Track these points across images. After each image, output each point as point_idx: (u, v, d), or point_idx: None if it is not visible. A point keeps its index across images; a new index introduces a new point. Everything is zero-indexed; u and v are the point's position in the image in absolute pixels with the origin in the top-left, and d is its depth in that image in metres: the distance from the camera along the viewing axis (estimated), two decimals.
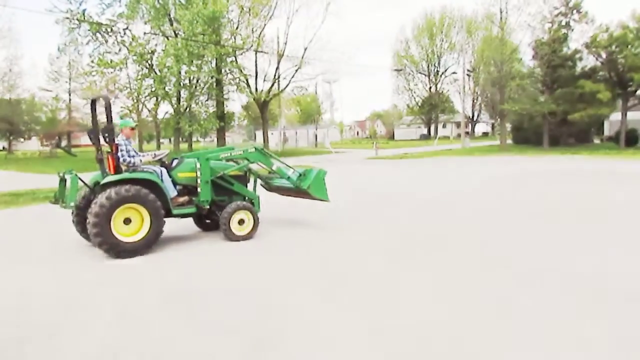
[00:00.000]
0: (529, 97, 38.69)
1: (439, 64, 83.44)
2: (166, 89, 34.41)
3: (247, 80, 39.58)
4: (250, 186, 8.89)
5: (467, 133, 72.01)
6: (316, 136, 64.94)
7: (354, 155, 38.42)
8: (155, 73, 34.58)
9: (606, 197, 11.64)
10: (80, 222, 7.68)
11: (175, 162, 8.19)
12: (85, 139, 44.80)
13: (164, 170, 7.84)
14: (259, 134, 54.16)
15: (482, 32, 46.61)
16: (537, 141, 41.62)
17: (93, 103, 7.76)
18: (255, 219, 8.12)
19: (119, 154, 7.52)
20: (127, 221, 7.10)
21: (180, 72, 33.95)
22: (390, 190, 14.43)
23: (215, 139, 41.37)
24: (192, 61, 33.19)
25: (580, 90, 34.89)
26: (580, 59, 39.16)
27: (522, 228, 8.44)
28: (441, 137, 72.77)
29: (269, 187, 9.48)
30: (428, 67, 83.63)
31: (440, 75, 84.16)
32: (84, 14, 34.82)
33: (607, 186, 13.83)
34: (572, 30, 38.54)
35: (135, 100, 38.34)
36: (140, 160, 7.76)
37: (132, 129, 7.96)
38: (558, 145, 40.22)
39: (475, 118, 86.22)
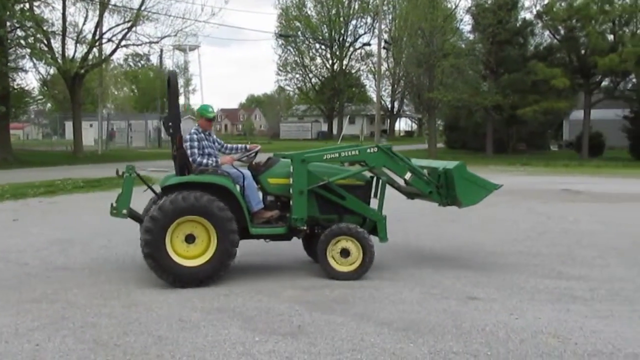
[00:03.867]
0: (467, 84, 41.30)
1: (346, 31, 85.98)
2: None
3: (48, 40, 37.21)
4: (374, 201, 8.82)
5: (384, 132, 74.78)
6: (160, 131, 63.43)
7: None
8: None
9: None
10: None
11: (267, 164, 8.57)
12: None
13: (248, 174, 8.25)
14: (69, 125, 51.53)
15: None
16: (477, 146, 44.41)
17: (174, 78, 8.20)
18: (367, 250, 8.10)
19: (189, 151, 8.14)
20: (190, 239, 7.72)
21: None
22: None
23: None
24: None
25: (532, 76, 38.00)
26: (533, 33, 42.73)
27: None
28: (348, 136, 74.96)
29: (412, 197, 9.55)
30: (331, 34, 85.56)
31: (348, 48, 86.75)
32: None
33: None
34: None
35: None
36: (216, 161, 8.27)
37: (210, 119, 8.64)
38: (505, 152, 43.37)
39: (395, 111, 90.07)
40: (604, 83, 41.73)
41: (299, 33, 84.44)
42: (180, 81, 69.36)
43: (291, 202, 8.19)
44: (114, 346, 5.62)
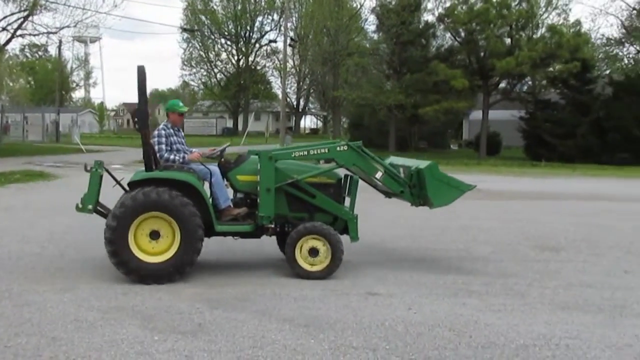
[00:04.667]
0: (371, 83, 42.14)
1: (252, 27, 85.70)
2: None
3: None
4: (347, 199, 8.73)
5: (289, 129, 74.77)
6: (58, 124, 61.32)
7: (118, 157, 37.42)
8: None
9: None
10: None
11: (236, 161, 8.50)
12: None
13: (216, 170, 8.22)
14: None
15: None
16: (381, 143, 45.38)
17: (142, 73, 8.07)
18: (335, 250, 8.00)
19: (156, 147, 8.15)
20: (154, 235, 7.68)
21: None
22: None
23: None
24: None
25: (434, 77, 39.09)
26: (435, 35, 43.92)
27: None
28: (253, 133, 74.77)
29: (389, 196, 9.34)
30: (236, 30, 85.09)
31: (254, 44, 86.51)
32: None
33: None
34: None
35: None
36: (183, 158, 8.25)
37: (181, 114, 8.62)
38: (407, 150, 44.38)
39: (301, 108, 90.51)
40: (502, 85, 43.41)
41: (205, 28, 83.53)
42: (80, 74, 67.27)
43: (258, 200, 8.12)
44: (4, 348, 5.39)
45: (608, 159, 35.36)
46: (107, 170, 8.27)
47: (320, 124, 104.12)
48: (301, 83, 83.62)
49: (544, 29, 41.13)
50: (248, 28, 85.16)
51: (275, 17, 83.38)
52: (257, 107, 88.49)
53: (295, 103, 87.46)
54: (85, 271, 8.30)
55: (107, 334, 5.79)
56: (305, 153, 8.36)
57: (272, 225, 8.28)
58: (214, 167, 8.30)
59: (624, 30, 50.33)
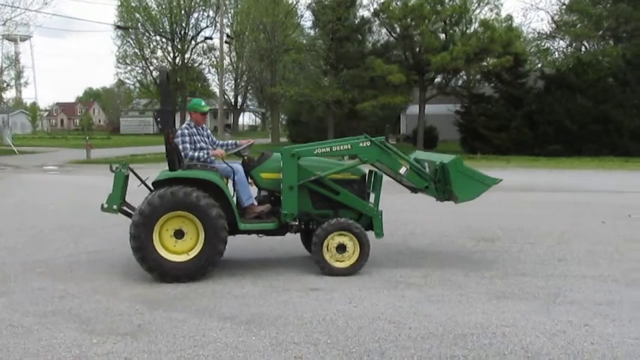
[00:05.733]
0: (309, 79, 42.20)
1: (187, 24, 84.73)
2: None
3: None
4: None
5: (227, 126, 74.64)
6: None
7: (52, 158, 36.66)
8: None
9: None
10: None
11: (260, 159, 8.48)
12: None
13: (239, 168, 8.29)
14: None
15: None
16: (320, 139, 45.44)
17: (164, 74, 8.47)
18: (363, 246, 8.03)
19: (180, 146, 8.23)
20: (179, 234, 7.79)
21: None
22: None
23: None
24: None
25: (371, 72, 39.39)
26: (371, 31, 44.25)
27: None
28: None
29: (415, 191, 9.18)
30: (172, 27, 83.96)
31: (190, 41, 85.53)
32: None
33: None
34: None
35: None
36: (207, 154, 8.32)
37: (204, 113, 8.66)
38: None
39: (239, 105, 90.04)
40: (437, 79, 43.95)
41: (139, 25, 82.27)
42: (11, 73, 65.29)
43: (281, 197, 8.10)
44: None
45: (540, 151, 36.22)
46: (132, 170, 8.46)
47: (259, 121, 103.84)
48: (239, 80, 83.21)
49: (477, 24, 41.80)
50: (183, 25, 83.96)
51: (211, 13, 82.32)
52: None
53: (233, 100, 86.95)
54: (20, 275, 8.10)
55: (43, 339, 5.68)
56: (328, 150, 8.40)
57: (296, 223, 8.32)
58: (237, 165, 8.40)
59: (554, 25, 51.73)
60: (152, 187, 8.23)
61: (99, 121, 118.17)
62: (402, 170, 8.50)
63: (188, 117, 8.74)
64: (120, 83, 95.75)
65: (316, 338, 5.70)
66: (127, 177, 8.38)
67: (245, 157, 8.61)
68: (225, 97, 65.56)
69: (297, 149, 8.31)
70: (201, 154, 8.33)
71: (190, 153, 8.29)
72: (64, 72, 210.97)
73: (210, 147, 8.66)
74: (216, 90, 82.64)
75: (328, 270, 8.05)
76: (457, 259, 9.21)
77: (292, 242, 9.65)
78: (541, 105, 37.59)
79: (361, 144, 8.39)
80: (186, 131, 8.39)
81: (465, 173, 8.47)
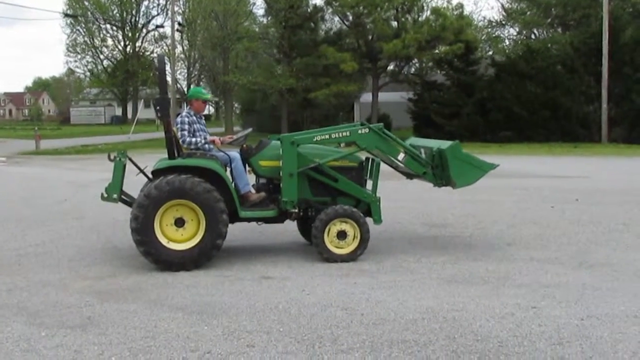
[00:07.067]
0: (262, 67, 42.03)
1: (137, 11, 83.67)
2: None
3: None
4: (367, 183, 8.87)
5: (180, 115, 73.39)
6: None
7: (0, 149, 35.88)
8: None
9: None
10: None
11: (258, 146, 8.51)
12: None
13: (236, 156, 8.27)
14: None
15: None
16: (273, 128, 45.47)
17: (162, 62, 8.65)
18: (363, 232, 8.11)
19: (179, 133, 8.28)
20: (179, 223, 7.77)
21: None
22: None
23: None
24: None
25: (324, 60, 39.41)
26: (324, 19, 44.23)
27: None
28: (143, 120, 73.02)
29: (411, 177, 9.40)
30: (122, 15, 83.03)
31: (141, 30, 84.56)
32: None
33: None
34: None
35: None
36: (205, 139, 8.39)
37: (205, 101, 8.76)
38: None
39: None
40: (390, 67, 44.24)
41: (89, 13, 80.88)
42: None
43: (281, 185, 8.17)
44: None
45: (492, 137, 36.72)
46: (130, 159, 8.40)
47: (212, 110, 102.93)
48: (191, 69, 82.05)
49: (428, 12, 42.16)
50: (134, 13, 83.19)
51: (162, 1, 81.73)
52: (147, 94, 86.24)
53: (186, 89, 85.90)
54: None
55: None
56: (327, 137, 8.47)
57: (296, 210, 8.38)
58: (234, 153, 8.39)
59: (504, 13, 52.47)
60: (150, 177, 8.29)
61: (49, 111, 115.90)
62: (400, 156, 8.69)
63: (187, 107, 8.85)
64: (70, 72, 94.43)
65: (269, 326, 5.70)
66: (125, 166, 8.29)
67: (244, 146, 8.64)
68: (178, 85, 64.79)
69: (296, 136, 8.42)
70: (199, 139, 8.38)
71: (188, 139, 8.33)
72: (12, 61, 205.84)
73: (207, 135, 8.68)
74: (168, 79, 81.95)
75: (327, 256, 8.13)
76: (410, 245, 9.32)
77: (244, 230, 9.64)
78: (492, 92, 38.06)
79: (360, 131, 8.56)
80: (186, 119, 8.44)
81: (463, 159, 8.65)
